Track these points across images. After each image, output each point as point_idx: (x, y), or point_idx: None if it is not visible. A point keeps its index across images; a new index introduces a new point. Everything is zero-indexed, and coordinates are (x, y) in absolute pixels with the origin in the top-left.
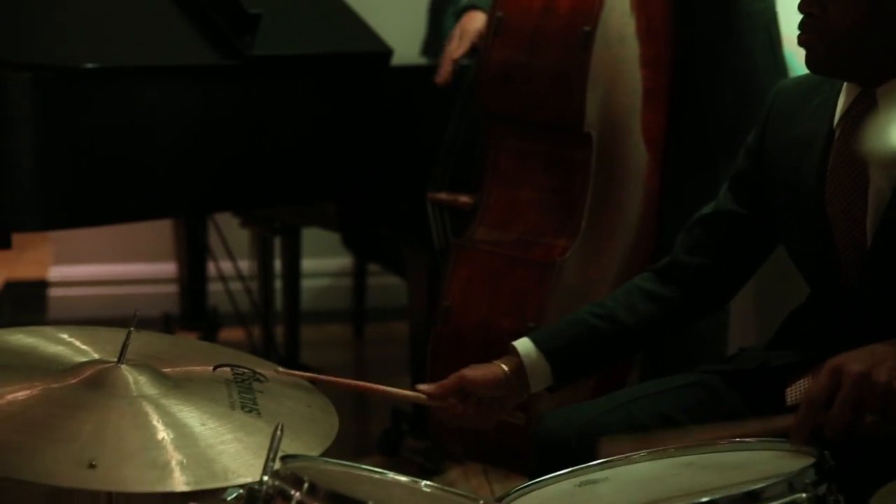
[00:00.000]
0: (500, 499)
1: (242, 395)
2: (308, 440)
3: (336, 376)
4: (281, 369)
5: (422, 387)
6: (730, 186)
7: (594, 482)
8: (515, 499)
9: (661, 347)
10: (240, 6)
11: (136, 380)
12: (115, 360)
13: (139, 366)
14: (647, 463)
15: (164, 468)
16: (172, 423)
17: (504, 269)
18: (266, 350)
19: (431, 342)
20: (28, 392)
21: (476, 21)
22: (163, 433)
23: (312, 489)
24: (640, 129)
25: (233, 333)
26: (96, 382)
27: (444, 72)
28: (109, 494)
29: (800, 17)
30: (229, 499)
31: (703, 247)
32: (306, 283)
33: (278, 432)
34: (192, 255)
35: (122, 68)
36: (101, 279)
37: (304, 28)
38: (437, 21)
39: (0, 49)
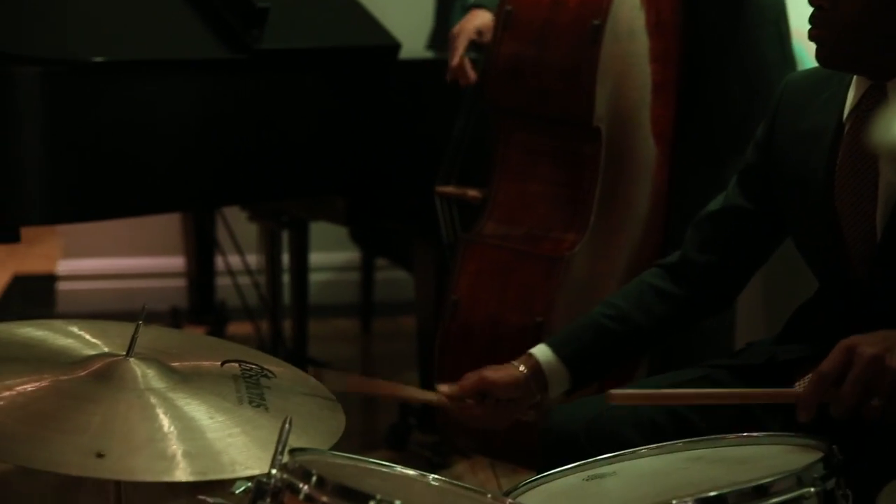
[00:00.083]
0: (508, 493)
1: (250, 390)
2: (315, 436)
3: (344, 370)
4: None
5: (443, 388)
6: (738, 180)
7: (602, 476)
8: (523, 493)
9: (669, 342)
10: (248, 0)
11: (144, 373)
12: (124, 353)
13: (148, 359)
14: (654, 457)
15: (172, 459)
16: (180, 415)
17: (512, 263)
18: (274, 344)
19: (439, 336)
20: (37, 384)
21: (476, 19)
22: (170, 425)
23: (321, 482)
24: (649, 123)
25: (241, 327)
26: (105, 375)
27: (462, 77)
28: (118, 487)
29: (808, 9)
30: (238, 492)
31: (711, 244)
32: (314, 277)
33: (287, 425)
34: (201, 249)
35: (131, 62)
36: (109, 273)
37: (312, 22)
38: (444, 14)
39: (8, 43)
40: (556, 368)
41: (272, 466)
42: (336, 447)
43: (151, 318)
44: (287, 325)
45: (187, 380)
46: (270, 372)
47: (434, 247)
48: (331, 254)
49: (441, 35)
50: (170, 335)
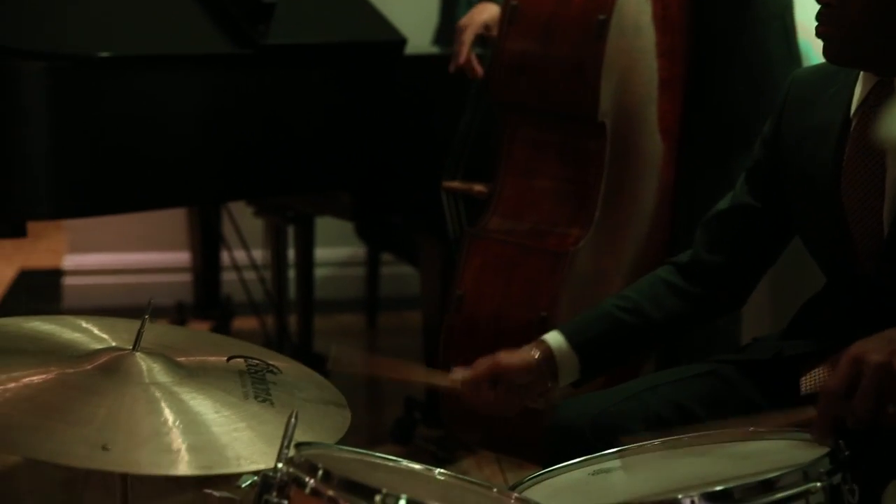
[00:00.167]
0: (514, 487)
1: (256, 386)
2: (321, 431)
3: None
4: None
5: (457, 372)
6: (746, 178)
7: (607, 471)
8: (528, 487)
9: (678, 340)
10: None
11: (150, 367)
12: (131, 347)
13: (154, 354)
14: (660, 452)
15: (177, 452)
16: (185, 409)
17: (517, 258)
18: (279, 339)
19: (444, 331)
20: (44, 376)
21: (484, 13)
22: (175, 419)
23: (327, 476)
24: (655, 118)
25: (246, 322)
26: (111, 368)
27: (468, 71)
28: (124, 482)
29: (815, 5)
30: (244, 486)
31: (720, 243)
32: (319, 272)
33: (293, 419)
34: (206, 244)
35: (137, 57)
36: (115, 268)
37: (318, 17)
38: (449, 9)
39: (14, 38)
40: (568, 356)
41: (278, 460)
42: (341, 442)
43: (157, 312)
44: (292, 320)
45: (193, 375)
46: (276, 368)
47: (440, 242)
48: (336, 249)
49: (446, 30)
50: (177, 332)
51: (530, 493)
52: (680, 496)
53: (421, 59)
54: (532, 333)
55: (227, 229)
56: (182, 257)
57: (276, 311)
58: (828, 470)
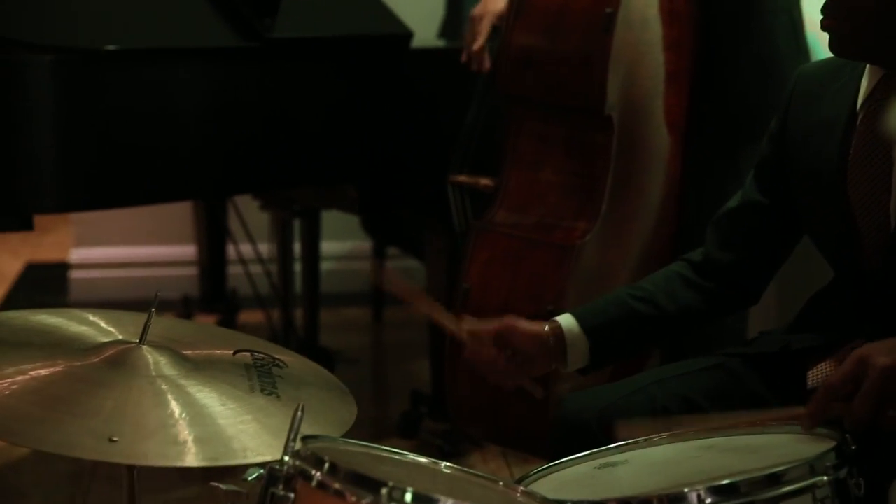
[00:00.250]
0: (519, 481)
1: (262, 379)
2: (327, 424)
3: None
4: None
5: (466, 321)
6: (755, 175)
7: (613, 465)
8: (534, 481)
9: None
10: None
11: (156, 360)
12: (137, 341)
13: (160, 347)
14: (666, 446)
15: (184, 444)
16: (191, 402)
17: (523, 251)
18: (285, 332)
19: None
20: (51, 369)
21: (499, 2)
22: (182, 411)
23: (333, 469)
24: (662, 112)
25: (252, 316)
26: (118, 361)
27: (476, 63)
28: (131, 474)
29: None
30: (250, 479)
31: (731, 241)
32: (325, 266)
33: (299, 412)
34: (212, 238)
35: (143, 51)
36: (121, 261)
37: (324, 11)
38: (456, 3)
39: (21, 32)
40: (579, 338)
41: (285, 453)
42: (347, 435)
43: (163, 306)
44: (298, 314)
45: (199, 368)
46: (282, 362)
47: (446, 235)
48: (342, 242)
49: (453, 23)
50: (184, 326)
51: (536, 487)
52: (686, 490)
53: (427, 53)
54: None
55: (234, 223)
56: (188, 251)
57: (281, 304)
58: (834, 464)
